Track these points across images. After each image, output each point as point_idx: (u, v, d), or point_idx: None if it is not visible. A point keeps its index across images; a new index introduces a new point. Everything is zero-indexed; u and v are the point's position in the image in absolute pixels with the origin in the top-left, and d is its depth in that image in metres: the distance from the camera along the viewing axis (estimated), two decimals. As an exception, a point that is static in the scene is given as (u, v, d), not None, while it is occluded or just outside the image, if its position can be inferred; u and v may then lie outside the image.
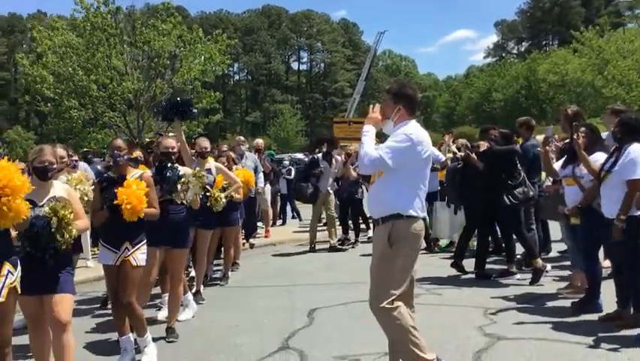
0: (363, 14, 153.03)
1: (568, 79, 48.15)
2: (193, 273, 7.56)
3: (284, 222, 15.03)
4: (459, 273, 7.88)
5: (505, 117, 58.30)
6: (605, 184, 5.17)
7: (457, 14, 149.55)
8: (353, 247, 10.79)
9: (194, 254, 7.18)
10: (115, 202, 4.57)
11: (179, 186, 5.38)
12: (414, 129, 3.88)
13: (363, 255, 9.86)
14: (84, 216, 4.25)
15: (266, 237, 11.98)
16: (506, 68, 70.26)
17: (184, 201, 5.45)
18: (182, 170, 5.58)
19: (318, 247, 10.87)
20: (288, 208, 15.18)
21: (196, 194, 5.51)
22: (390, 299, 3.77)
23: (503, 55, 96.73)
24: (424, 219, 3.94)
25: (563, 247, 9.10)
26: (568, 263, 7.92)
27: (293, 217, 15.06)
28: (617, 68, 29.50)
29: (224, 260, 8.15)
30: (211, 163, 7.14)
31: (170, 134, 6.65)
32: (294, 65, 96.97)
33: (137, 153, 5.93)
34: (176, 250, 5.57)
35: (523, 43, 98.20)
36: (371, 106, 4.08)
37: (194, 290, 6.99)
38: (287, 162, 16.06)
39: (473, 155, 7.59)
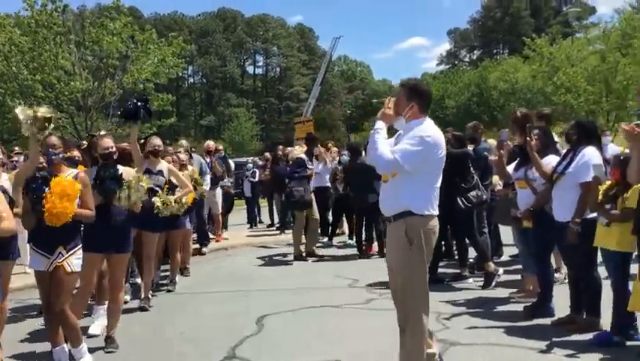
0: (319, 20, 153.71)
1: (518, 87, 49.17)
2: (138, 280, 7.24)
3: (254, 225, 14.76)
4: None
5: (458, 123, 59.41)
6: (558, 187, 5.13)
7: (411, 22, 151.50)
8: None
9: (139, 259, 6.87)
10: (38, 206, 4.27)
11: (119, 189, 5.08)
12: (430, 130, 3.81)
13: (321, 260, 9.72)
14: (11, 217, 3.93)
15: (217, 241, 11.65)
16: (459, 76, 71.45)
17: (124, 204, 5.15)
18: (123, 171, 5.28)
19: (275, 252, 10.65)
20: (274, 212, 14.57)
21: (138, 198, 5.21)
22: (423, 321, 3.80)
23: (456, 62, 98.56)
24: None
25: (515, 250, 9.15)
26: (519, 267, 7.93)
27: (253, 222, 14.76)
28: (566, 75, 30.17)
29: (171, 265, 7.83)
30: (163, 164, 6.86)
31: (102, 132, 6.28)
32: (250, 69, 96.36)
33: (75, 153, 5.60)
34: (116, 255, 5.25)
35: (475, 52, 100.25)
36: (386, 100, 3.94)
37: (141, 296, 6.69)
38: (250, 165, 15.64)
39: None
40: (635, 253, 4.75)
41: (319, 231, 10.58)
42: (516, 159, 6.15)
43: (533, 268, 6.04)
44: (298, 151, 10.71)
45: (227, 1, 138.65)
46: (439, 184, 3.91)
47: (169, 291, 7.59)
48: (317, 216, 10.09)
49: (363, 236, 9.94)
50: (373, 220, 9.73)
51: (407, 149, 3.70)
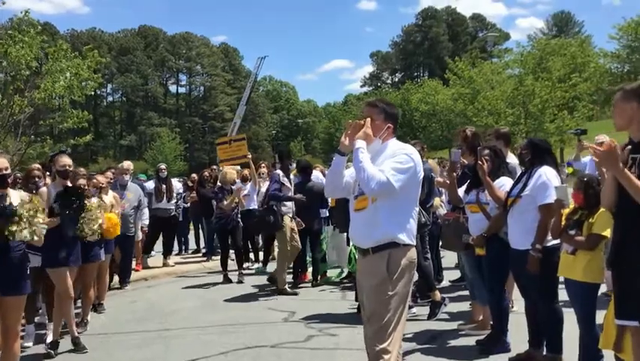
0: (244, 40, 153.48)
1: (439, 108, 50.35)
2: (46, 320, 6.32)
3: (185, 251, 13.34)
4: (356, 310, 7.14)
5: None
6: (513, 211, 4.72)
7: (334, 44, 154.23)
8: (241, 282, 9.55)
9: (47, 296, 5.99)
10: None
11: (9, 223, 4.23)
12: (412, 149, 3.57)
13: (252, 290, 8.98)
14: None
15: (136, 270, 10.63)
16: (382, 97, 72.70)
17: (21, 238, 4.31)
18: (17, 198, 4.45)
19: (201, 281, 9.85)
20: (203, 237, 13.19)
21: (35, 229, 4.37)
22: (397, 349, 3.44)
23: (379, 84, 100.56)
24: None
25: (455, 275, 8.80)
26: (462, 293, 7.55)
27: (181, 248, 13.66)
28: (486, 99, 31.04)
29: (83, 303, 6.88)
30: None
31: None
32: (173, 88, 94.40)
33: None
34: (10, 298, 4.39)
35: (397, 74, 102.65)
36: (362, 122, 3.57)
37: (48, 340, 5.79)
38: (180, 187, 12.86)
39: None
40: (605, 289, 4.40)
41: (249, 257, 9.93)
42: (465, 181, 5.76)
43: (484, 297, 5.64)
44: (231, 173, 10.03)
45: (148, 19, 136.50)
46: (417, 208, 3.61)
47: (79, 333, 6.66)
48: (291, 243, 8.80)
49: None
50: (313, 246, 9.17)
51: (395, 167, 3.39)
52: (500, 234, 5.16)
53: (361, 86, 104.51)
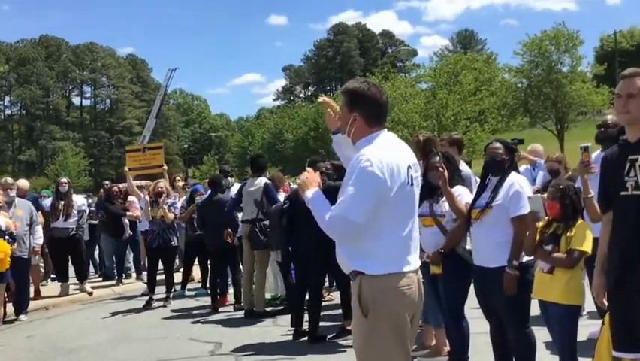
0: (153, 52, 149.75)
1: (352, 121, 50.57)
2: None
3: (105, 278, 11.54)
4: (297, 339, 6.35)
5: (297, 158, 59.92)
6: (482, 224, 4.15)
7: (245, 58, 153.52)
8: (165, 306, 8.57)
9: None
10: None
11: None
12: (375, 153, 2.68)
13: (169, 316, 8.03)
14: None
15: (34, 299, 9.36)
16: (295, 111, 72.67)
17: None
18: None
19: (111, 309, 8.77)
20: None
21: None
22: None
23: (292, 98, 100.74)
24: None
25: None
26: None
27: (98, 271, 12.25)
28: (402, 111, 31.33)
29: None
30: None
31: None
32: (76, 100, 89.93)
33: None
34: None
35: (310, 88, 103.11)
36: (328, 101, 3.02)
37: None
38: (83, 203, 10.69)
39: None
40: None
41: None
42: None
43: (438, 320, 5.10)
44: (163, 184, 9.10)
45: (50, 29, 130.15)
46: (410, 226, 2.82)
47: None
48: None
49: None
50: (230, 265, 8.36)
51: (350, 192, 2.65)
52: (458, 249, 4.63)
53: (274, 100, 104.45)
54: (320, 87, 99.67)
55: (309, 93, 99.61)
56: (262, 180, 7.64)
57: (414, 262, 2.82)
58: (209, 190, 8.61)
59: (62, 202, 9.52)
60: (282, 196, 7.73)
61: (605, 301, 3.09)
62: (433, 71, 34.74)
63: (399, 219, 2.77)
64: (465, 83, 32.96)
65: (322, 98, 3.14)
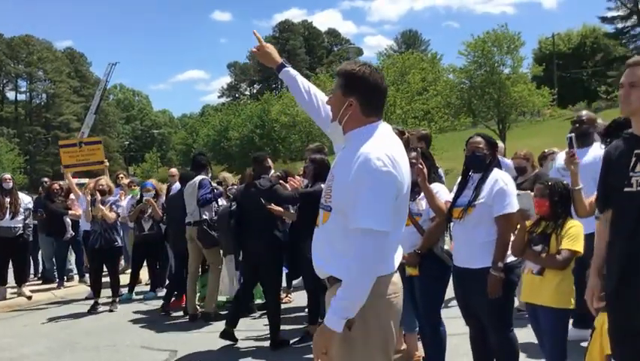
0: (92, 46, 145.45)
1: (299, 120, 50.37)
2: None
3: (45, 280, 10.74)
4: (224, 338, 6.05)
5: (242, 155, 59.28)
6: (464, 223, 3.90)
7: (188, 55, 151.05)
8: (111, 311, 8.08)
9: None
10: None
11: None
12: (383, 148, 2.36)
13: (117, 322, 7.51)
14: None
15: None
16: (241, 108, 71.85)
17: None
18: None
19: (51, 314, 8.17)
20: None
21: None
22: None
23: (237, 95, 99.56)
24: None
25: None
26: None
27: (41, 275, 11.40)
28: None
29: None
30: None
31: None
32: (11, 95, 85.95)
33: None
34: None
35: (255, 85, 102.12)
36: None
37: None
38: (29, 201, 9.53)
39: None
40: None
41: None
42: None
43: (412, 323, 4.87)
44: (104, 182, 8.54)
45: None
46: (401, 219, 2.54)
47: None
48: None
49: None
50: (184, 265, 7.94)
51: (367, 205, 2.29)
52: (436, 250, 4.40)
53: (219, 97, 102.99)
54: (265, 85, 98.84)
55: (255, 91, 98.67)
56: (198, 178, 7.30)
57: (398, 259, 2.57)
58: (179, 186, 8.05)
59: (7, 200, 8.83)
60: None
61: (599, 305, 2.91)
62: (381, 69, 34.89)
63: (399, 221, 2.50)
64: (412, 83, 33.18)
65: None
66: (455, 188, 4.17)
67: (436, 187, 4.43)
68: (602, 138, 4.57)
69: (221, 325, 6.31)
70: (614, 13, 53.89)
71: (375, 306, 2.41)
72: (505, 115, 36.85)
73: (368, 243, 2.27)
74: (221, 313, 7.31)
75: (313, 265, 2.63)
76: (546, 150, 7.07)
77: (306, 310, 6.51)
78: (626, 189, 2.70)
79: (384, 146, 2.38)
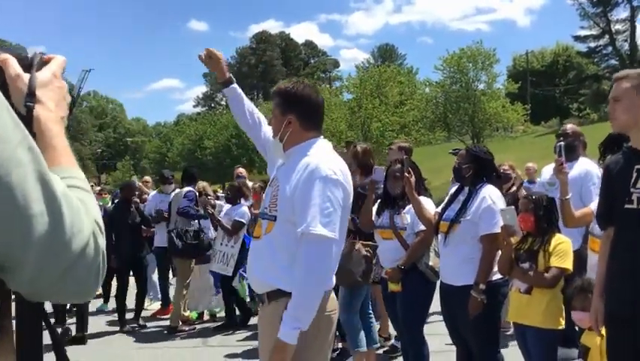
0: (66, 52, 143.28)
1: (275, 130, 50.41)
2: None
3: None
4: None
5: (217, 165, 58.84)
6: (450, 239, 3.79)
7: (163, 63, 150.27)
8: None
9: None
10: None
11: None
12: (328, 159, 2.40)
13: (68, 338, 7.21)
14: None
15: None
16: (217, 118, 71.43)
17: None
18: None
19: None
20: None
21: None
22: None
23: (212, 105, 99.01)
24: None
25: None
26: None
27: None
28: (328, 119, 31.22)
29: None
30: None
31: None
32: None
33: None
34: None
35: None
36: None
37: None
38: None
39: None
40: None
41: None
42: (358, 203, 4.80)
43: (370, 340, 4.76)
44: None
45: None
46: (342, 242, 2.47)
47: None
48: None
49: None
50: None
51: (315, 210, 2.28)
52: (420, 266, 4.28)
53: (194, 106, 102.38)
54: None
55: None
56: (186, 189, 7.30)
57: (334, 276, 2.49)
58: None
59: None
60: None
61: (602, 330, 2.81)
62: (359, 81, 34.96)
63: (342, 235, 2.41)
64: (390, 96, 33.34)
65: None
66: (447, 199, 4.10)
67: (422, 201, 4.32)
68: (599, 153, 4.51)
69: (190, 340, 6.12)
70: (587, 32, 54.91)
71: (317, 321, 2.32)
72: (480, 130, 37.16)
73: (319, 248, 2.26)
74: (186, 329, 7.08)
75: (250, 279, 2.57)
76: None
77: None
78: (626, 206, 2.62)
79: (329, 159, 2.41)
